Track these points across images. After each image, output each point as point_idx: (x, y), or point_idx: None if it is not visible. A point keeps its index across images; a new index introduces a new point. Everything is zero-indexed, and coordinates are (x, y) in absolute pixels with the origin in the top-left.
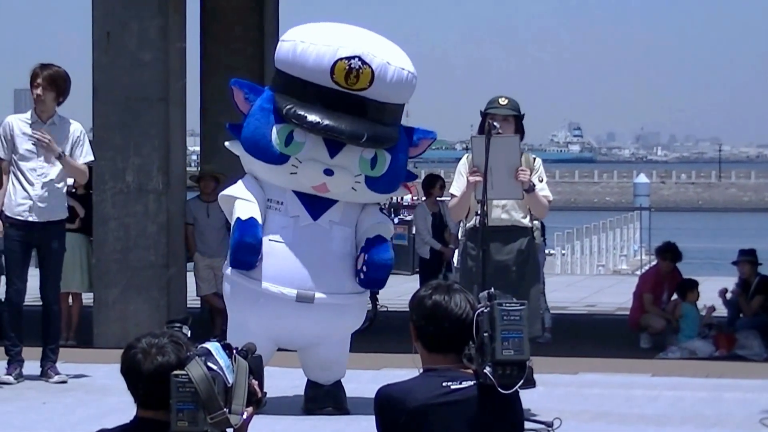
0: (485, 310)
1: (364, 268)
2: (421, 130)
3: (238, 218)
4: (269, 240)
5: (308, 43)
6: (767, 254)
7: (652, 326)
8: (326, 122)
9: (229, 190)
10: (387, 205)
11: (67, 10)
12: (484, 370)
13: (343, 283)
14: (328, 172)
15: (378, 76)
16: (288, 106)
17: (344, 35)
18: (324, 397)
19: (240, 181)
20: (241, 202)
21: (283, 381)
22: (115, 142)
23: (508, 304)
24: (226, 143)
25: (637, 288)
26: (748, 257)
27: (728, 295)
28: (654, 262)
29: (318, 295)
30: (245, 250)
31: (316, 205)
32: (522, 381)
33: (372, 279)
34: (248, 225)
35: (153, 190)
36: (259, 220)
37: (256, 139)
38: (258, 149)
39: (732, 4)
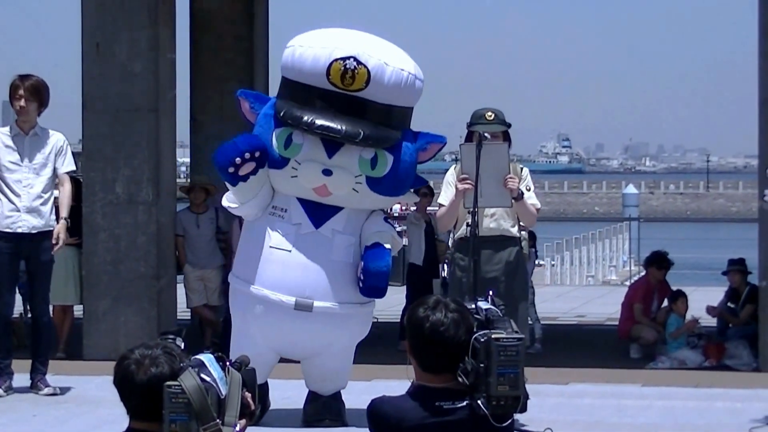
0: (482, 339)
1: (361, 277)
2: (430, 135)
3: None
4: (270, 247)
5: (306, 46)
6: (754, 263)
7: (644, 337)
8: (321, 122)
9: None
10: None
11: (57, 22)
12: (478, 401)
13: (344, 292)
14: (327, 173)
15: (374, 76)
16: (284, 109)
17: (341, 37)
18: (322, 409)
19: None
20: None
21: (277, 392)
22: (105, 154)
23: (505, 339)
24: None
25: (626, 298)
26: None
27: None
28: (643, 273)
29: (317, 303)
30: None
31: (319, 213)
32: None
33: (369, 287)
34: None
35: (143, 202)
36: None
37: None
38: None
39: (720, 17)
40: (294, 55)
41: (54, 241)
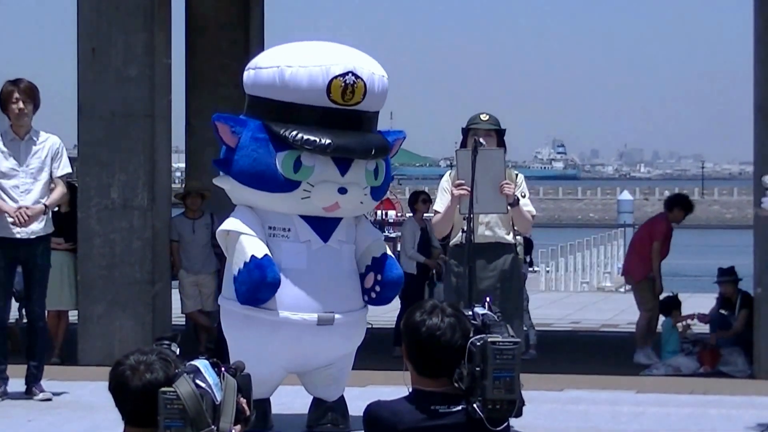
0: (478, 343)
1: (377, 288)
2: (392, 132)
3: (253, 256)
4: (282, 268)
5: (296, 66)
6: (749, 270)
7: (658, 285)
8: (336, 142)
9: (230, 226)
10: (372, 221)
11: (52, 26)
12: (474, 405)
13: (354, 300)
14: (342, 191)
15: (369, 88)
16: (293, 133)
17: (330, 53)
18: (326, 414)
19: (237, 215)
20: (248, 238)
21: (273, 397)
22: (101, 159)
23: (501, 343)
24: (214, 180)
25: (639, 237)
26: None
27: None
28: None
29: (337, 316)
30: (268, 289)
31: (323, 227)
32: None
33: (386, 297)
34: (267, 263)
35: (138, 207)
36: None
37: (258, 171)
38: (262, 180)
39: (715, 23)
40: (284, 76)
41: (20, 215)
